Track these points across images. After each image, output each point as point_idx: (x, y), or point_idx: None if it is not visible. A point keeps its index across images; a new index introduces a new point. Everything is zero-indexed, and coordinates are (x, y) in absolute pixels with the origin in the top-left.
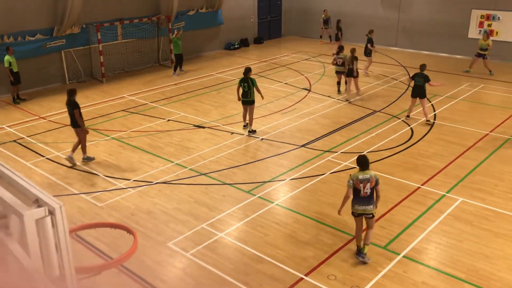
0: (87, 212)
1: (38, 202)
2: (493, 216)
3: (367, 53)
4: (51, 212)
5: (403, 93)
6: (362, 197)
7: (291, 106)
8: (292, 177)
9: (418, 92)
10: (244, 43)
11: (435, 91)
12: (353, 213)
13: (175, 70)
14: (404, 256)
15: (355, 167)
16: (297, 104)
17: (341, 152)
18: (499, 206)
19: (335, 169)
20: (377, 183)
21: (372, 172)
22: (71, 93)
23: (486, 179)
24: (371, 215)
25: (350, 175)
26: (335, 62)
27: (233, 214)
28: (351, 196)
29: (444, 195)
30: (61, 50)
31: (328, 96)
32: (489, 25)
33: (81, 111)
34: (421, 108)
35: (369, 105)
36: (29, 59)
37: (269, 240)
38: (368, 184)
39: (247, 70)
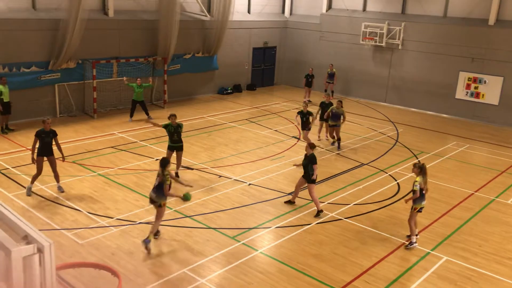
0: (67, 249)
1: (27, 239)
2: (477, 277)
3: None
4: (40, 250)
5: (391, 147)
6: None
7: (280, 153)
8: (277, 225)
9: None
10: (237, 89)
11: (422, 148)
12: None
13: (131, 116)
14: None
15: (341, 219)
16: (286, 151)
17: (328, 203)
18: (483, 267)
19: (321, 220)
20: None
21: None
22: None
23: (471, 238)
24: (158, 204)
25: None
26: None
27: (216, 260)
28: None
29: (428, 253)
30: (55, 84)
31: (317, 146)
32: (476, 88)
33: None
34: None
35: (357, 158)
36: (22, 90)
37: None
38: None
39: (170, 115)
